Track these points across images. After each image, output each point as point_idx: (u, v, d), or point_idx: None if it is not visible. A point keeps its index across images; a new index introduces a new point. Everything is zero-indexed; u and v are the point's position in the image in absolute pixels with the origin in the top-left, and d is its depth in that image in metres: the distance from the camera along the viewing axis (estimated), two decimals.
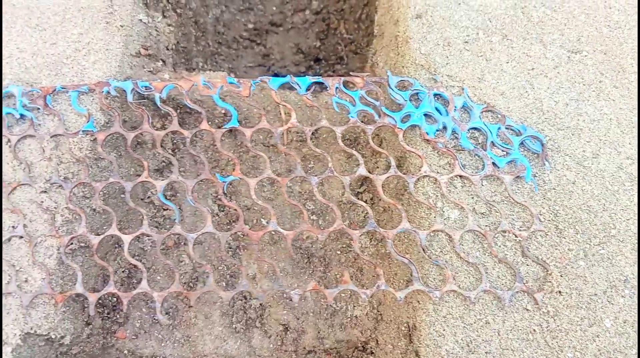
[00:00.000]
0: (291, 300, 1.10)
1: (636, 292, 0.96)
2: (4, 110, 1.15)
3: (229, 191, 1.26)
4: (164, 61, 1.34)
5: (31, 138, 1.14)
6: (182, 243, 1.22)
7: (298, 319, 1.15)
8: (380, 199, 1.19)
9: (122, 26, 1.27)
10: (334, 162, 1.29)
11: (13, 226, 1.06)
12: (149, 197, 1.24)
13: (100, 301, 1.11)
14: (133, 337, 1.13)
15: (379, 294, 1.14)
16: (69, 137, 1.12)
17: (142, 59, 1.29)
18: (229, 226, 1.23)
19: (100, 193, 1.10)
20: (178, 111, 1.27)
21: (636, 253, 0.99)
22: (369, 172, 1.14)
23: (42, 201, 1.07)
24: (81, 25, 1.27)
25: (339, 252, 1.20)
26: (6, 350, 0.97)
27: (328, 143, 1.29)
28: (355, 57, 1.65)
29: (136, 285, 1.18)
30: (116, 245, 1.18)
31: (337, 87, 1.14)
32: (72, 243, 1.06)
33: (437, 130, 1.09)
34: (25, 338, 0.99)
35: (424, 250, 1.00)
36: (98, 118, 1.15)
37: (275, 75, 1.75)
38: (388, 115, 1.10)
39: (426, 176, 1.06)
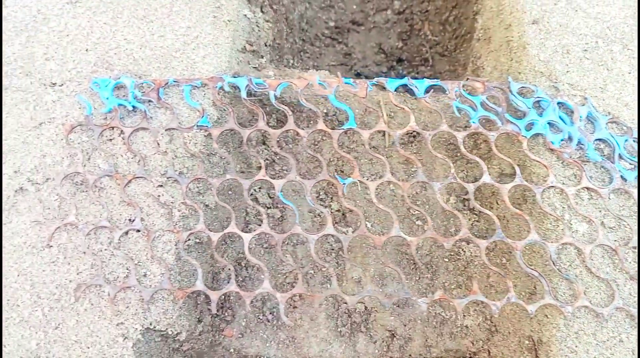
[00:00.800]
0: (407, 307, 1.08)
1: None
2: (116, 101, 1.14)
3: (330, 192, 1.24)
4: (263, 57, 1.32)
5: (143, 130, 1.13)
6: (285, 243, 1.21)
7: (405, 326, 1.13)
8: (491, 208, 1.16)
9: (229, 21, 1.25)
10: (436, 167, 1.27)
11: (130, 220, 1.05)
12: (251, 194, 1.23)
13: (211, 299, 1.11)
14: (239, 335, 1.12)
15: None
16: (183, 131, 1.11)
17: (247, 55, 1.28)
18: (337, 227, 1.21)
19: (212, 189, 1.09)
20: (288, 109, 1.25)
21: None
22: (476, 180, 1.12)
23: (159, 196, 1.06)
24: (189, 18, 1.26)
25: (446, 260, 1.17)
26: (127, 344, 0.96)
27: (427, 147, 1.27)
28: (442, 59, 1.62)
29: (241, 282, 1.17)
30: (223, 243, 1.17)
31: (456, 91, 1.11)
32: (189, 239, 1.05)
33: (562, 140, 1.06)
34: (144, 333, 0.98)
35: (553, 263, 0.97)
36: (210, 113, 1.14)
37: (358, 75, 1.73)
38: (512, 122, 1.08)
39: (552, 186, 1.03)
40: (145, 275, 1.01)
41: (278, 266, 1.18)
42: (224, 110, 1.16)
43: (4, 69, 1.23)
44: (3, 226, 1.06)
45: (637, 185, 1.02)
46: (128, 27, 1.25)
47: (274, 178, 1.15)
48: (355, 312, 1.15)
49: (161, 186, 1.07)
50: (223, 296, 1.14)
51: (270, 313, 1.15)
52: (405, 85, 1.12)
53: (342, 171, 1.25)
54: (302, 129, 1.11)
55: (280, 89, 1.14)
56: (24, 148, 1.13)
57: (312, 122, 1.28)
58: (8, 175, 1.10)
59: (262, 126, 1.11)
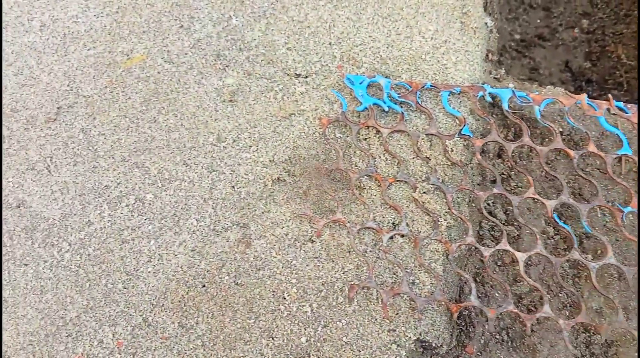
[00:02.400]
0: None
1: None
2: (371, 100, 1.12)
3: (565, 215, 1.20)
4: (503, 67, 1.29)
5: (400, 133, 1.11)
6: (516, 263, 1.17)
7: None
8: None
9: (476, 28, 1.22)
10: None
11: (394, 224, 1.03)
12: (485, 207, 1.19)
13: (489, 317, 1.08)
14: (477, 353, 1.09)
15: None
16: (445, 139, 1.08)
17: (488, 64, 1.25)
18: (565, 252, 1.17)
19: (480, 201, 1.07)
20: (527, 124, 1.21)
21: None
22: None
23: (424, 202, 1.04)
24: (436, 21, 1.23)
25: None
26: (400, 352, 0.94)
27: None
28: None
29: (482, 298, 1.13)
30: (470, 255, 1.14)
31: None
32: (455, 251, 1.02)
33: None
34: (415, 342, 0.96)
35: None
36: (469, 122, 1.11)
37: None
38: None
39: None
40: (413, 283, 0.99)
41: (512, 286, 1.15)
42: (479, 119, 1.13)
43: (246, 54, 1.22)
44: (262, 215, 1.05)
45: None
46: (372, 24, 1.23)
47: (510, 194, 1.12)
48: (594, 343, 1.11)
49: (425, 192, 1.05)
50: (466, 311, 1.11)
51: (507, 334, 1.11)
52: None
53: (581, 195, 1.21)
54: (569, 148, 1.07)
55: (544, 104, 1.10)
56: (276, 138, 1.12)
57: (545, 139, 1.24)
58: (263, 163, 1.09)
59: (527, 142, 1.08)
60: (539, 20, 1.77)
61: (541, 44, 1.74)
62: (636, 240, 1.01)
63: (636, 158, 1.06)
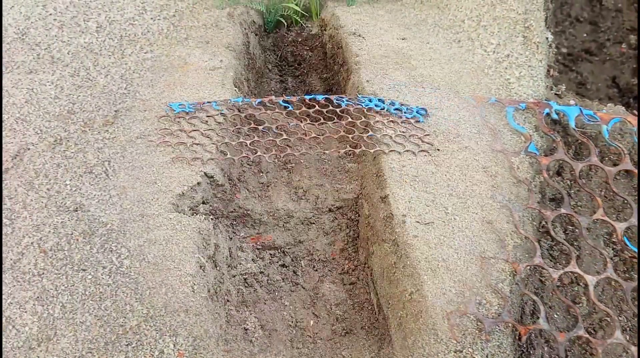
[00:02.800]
0: None
1: None
2: None
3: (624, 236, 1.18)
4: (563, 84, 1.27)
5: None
6: (577, 283, 1.15)
7: None
8: None
9: (539, 42, 1.20)
10: None
11: None
12: (543, 227, 1.17)
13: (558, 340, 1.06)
14: None
15: None
16: (510, 156, 1.06)
17: (548, 80, 1.23)
18: (625, 275, 1.15)
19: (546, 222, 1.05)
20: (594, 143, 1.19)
21: None
22: None
23: (490, 221, 1.02)
24: (498, 35, 1.21)
25: None
26: None
27: None
28: None
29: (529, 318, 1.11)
30: (529, 275, 1.12)
31: None
32: (522, 272, 1.00)
33: None
34: None
35: None
36: (535, 140, 1.09)
37: None
38: None
39: None
40: (480, 303, 0.97)
41: (570, 309, 1.12)
42: (543, 137, 1.11)
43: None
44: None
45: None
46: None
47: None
48: None
49: (491, 210, 1.03)
50: (533, 335, 1.09)
51: (566, 357, 1.09)
52: None
53: None
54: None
55: (611, 123, 1.08)
56: None
57: (605, 158, 1.22)
58: None
59: (594, 161, 1.06)
60: (585, 35, 1.75)
61: (588, 59, 1.71)
62: None
63: None
